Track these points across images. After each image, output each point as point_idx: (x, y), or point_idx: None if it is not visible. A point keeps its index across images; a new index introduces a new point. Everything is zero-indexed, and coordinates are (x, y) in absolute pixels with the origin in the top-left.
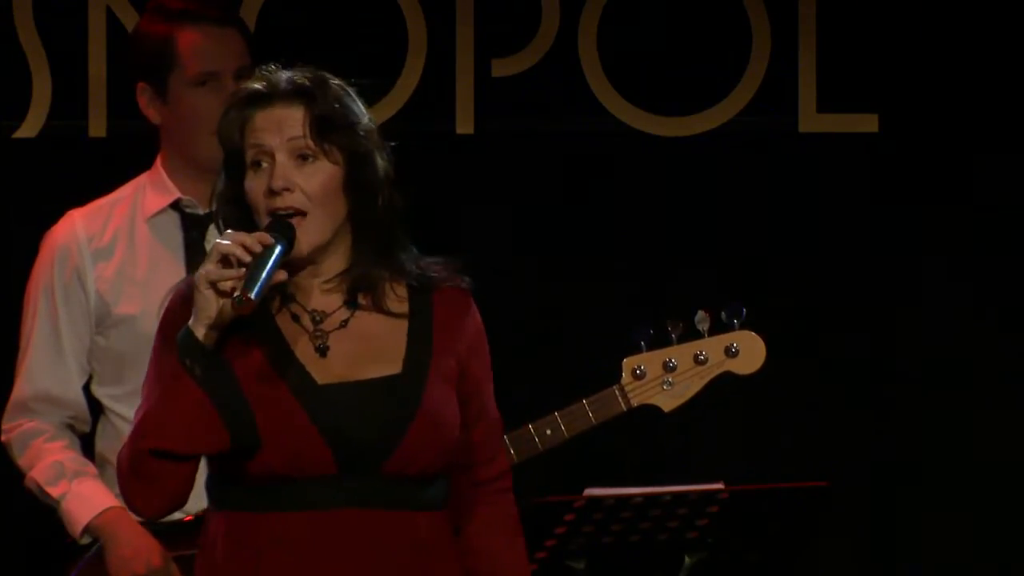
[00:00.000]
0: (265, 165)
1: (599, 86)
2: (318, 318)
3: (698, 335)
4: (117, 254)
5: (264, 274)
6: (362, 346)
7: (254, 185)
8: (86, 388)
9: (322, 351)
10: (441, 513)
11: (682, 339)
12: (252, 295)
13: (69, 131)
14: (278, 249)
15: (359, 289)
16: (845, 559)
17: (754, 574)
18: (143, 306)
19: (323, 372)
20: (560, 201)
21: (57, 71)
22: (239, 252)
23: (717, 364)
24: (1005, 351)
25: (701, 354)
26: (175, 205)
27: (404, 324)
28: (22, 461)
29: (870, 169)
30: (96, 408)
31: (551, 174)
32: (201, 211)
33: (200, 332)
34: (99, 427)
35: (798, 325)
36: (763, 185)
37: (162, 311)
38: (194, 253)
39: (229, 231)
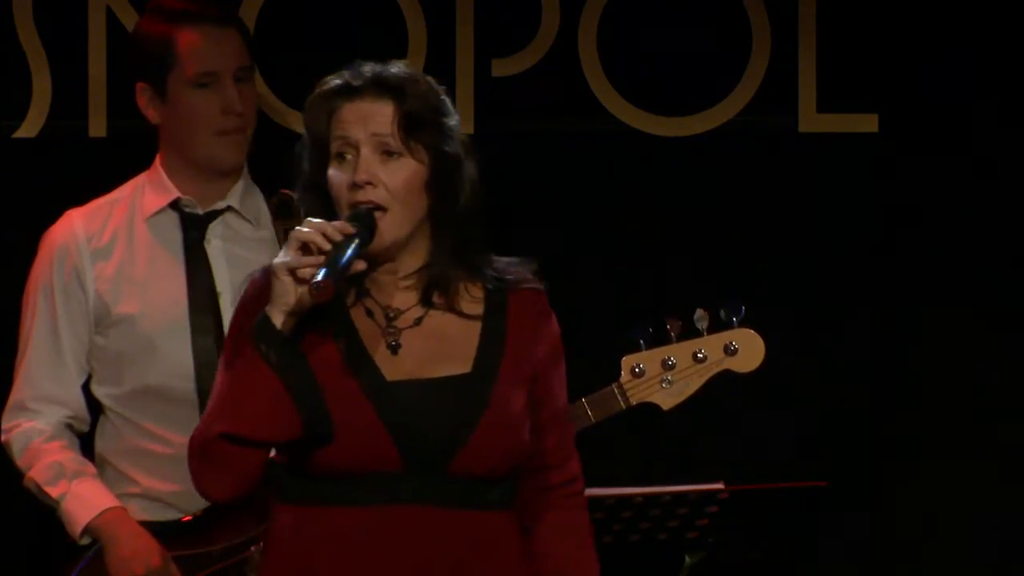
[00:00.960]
0: (349, 157)
1: (599, 86)
2: (392, 315)
3: (697, 333)
4: (116, 254)
5: (343, 263)
6: (434, 345)
7: (337, 176)
8: (85, 388)
9: (393, 348)
10: (507, 513)
11: (681, 337)
12: (331, 283)
13: (69, 131)
14: (358, 239)
15: (434, 288)
16: (845, 559)
17: (754, 574)
18: (142, 306)
19: (393, 369)
20: (560, 201)
21: (57, 71)
22: (319, 240)
23: (716, 362)
24: (1005, 351)
25: (700, 352)
26: (174, 205)
27: (478, 325)
28: (21, 461)
29: (870, 169)
30: (96, 408)
31: (551, 174)
32: (200, 211)
33: (278, 319)
34: (98, 427)
35: (798, 325)
36: (763, 185)
37: (238, 299)
38: (193, 253)
39: (309, 219)
